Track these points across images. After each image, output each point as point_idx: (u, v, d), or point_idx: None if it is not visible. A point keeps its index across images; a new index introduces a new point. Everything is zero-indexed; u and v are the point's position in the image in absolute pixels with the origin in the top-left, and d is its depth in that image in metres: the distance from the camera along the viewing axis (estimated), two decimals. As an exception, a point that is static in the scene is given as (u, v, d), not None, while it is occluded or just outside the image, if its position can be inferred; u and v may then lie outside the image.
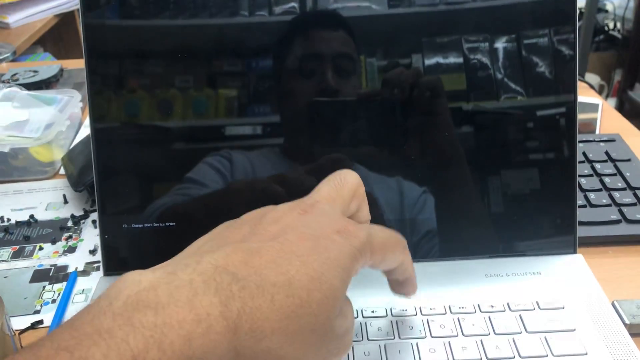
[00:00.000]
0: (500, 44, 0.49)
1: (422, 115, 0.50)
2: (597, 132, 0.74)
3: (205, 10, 0.49)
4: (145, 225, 0.50)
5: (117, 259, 0.51)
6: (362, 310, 0.46)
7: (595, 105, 0.77)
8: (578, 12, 0.49)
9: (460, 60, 0.50)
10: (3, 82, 0.89)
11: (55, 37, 1.57)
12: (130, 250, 0.51)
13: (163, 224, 0.50)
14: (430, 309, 0.46)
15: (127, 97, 0.50)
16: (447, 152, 0.50)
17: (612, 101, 2.43)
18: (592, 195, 0.58)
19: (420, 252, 0.51)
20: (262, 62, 0.49)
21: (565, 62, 0.50)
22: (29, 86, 0.88)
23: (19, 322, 0.49)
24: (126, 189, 0.50)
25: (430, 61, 0.49)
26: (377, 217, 0.49)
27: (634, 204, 0.57)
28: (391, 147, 0.50)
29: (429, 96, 0.49)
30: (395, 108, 0.50)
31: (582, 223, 0.54)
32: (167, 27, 0.49)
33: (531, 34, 0.49)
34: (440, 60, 0.49)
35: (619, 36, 2.46)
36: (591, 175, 0.61)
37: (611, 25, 2.52)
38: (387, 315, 0.46)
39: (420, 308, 0.46)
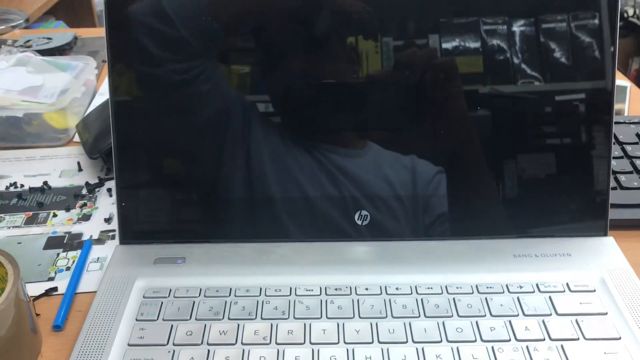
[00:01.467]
0: (544, 27, 0.47)
1: (438, 96, 0.48)
2: (625, 113, 0.72)
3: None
4: (163, 195, 0.49)
5: (134, 227, 0.50)
6: (386, 287, 0.45)
7: (624, 87, 0.75)
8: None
9: (498, 43, 0.47)
10: (17, 47, 0.87)
11: (68, 7, 1.54)
12: (146, 220, 0.50)
13: (180, 194, 0.49)
14: (457, 287, 0.45)
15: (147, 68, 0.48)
16: (463, 133, 0.48)
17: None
18: (622, 178, 0.56)
19: (441, 230, 0.49)
20: (277, 37, 0.47)
21: (604, 46, 0.48)
22: (43, 53, 0.86)
23: (33, 289, 0.47)
24: (144, 158, 0.49)
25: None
26: (390, 196, 0.48)
27: (667, 188, 0.55)
28: (405, 127, 0.48)
29: (444, 78, 0.48)
30: (410, 88, 0.48)
31: (612, 205, 0.52)
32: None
33: (573, 17, 0.47)
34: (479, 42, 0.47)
35: (639, 23, 2.41)
36: (621, 157, 0.59)
37: (630, 12, 2.47)
38: (411, 293, 0.44)
39: (446, 286, 0.45)
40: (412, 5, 0.47)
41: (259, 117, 0.48)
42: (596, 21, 0.47)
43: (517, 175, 0.49)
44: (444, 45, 0.48)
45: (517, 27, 0.48)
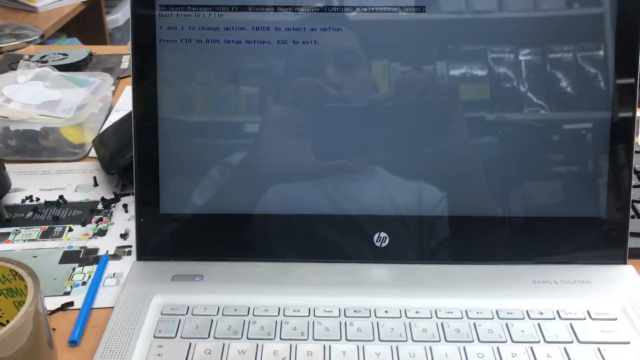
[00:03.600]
0: (558, 56, 0.48)
1: (440, 119, 0.48)
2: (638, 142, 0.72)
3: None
4: (185, 212, 0.49)
5: (151, 244, 0.49)
6: (405, 311, 0.44)
7: (637, 118, 0.76)
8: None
9: (501, 71, 0.48)
10: (35, 62, 0.88)
11: (80, 25, 1.56)
12: (164, 236, 0.50)
13: (203, 213, 0.49)
14: (477, 312, 0.44)
15: (172, 76, 0.48)
16: (470, 156, 0.49)
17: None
18: (639, 206, 0.56)
19: (460, 254, 0.49)
20: (282, 62, 0.48)
21: (625, 76, 0.48)
22: (59, 68, 0.86)
23: (49, 303, 0.47)
24: (164, 175, 0.49)
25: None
26: (408, 218, 0.48)
27: (684, 218, 0.55)
28: (411, 151, 0.49)
29: (445, 100, 0.48)
30: (414, 111, 0.48)
31: (631, 234, 0.52)
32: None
33: (589, 46, 0.48)
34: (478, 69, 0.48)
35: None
36: (638, 186, 0.59)
37: None
38: (431, 316, 0.44)
39: (466, 311, 0.44)
40: (419, 32, 0.48)
41: (275, 138, 0.49)
42: (616, 52, 0.48)
43: (538, 202, 0.49)
44: (451, 72, 0.48)
45: (533, 57, 0.48)
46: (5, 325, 0.44)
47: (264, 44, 0.48)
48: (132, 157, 0.51)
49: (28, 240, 0.55)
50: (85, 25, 1.61)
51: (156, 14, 0.47)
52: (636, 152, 0.62)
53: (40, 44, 1.11)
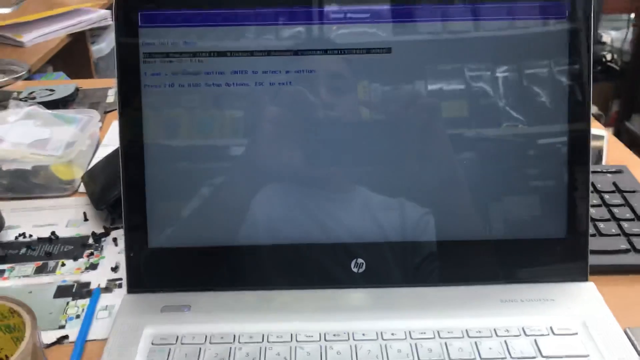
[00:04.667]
0: (514, 74, 0.52)
1: (421, 136, 0.52)
2: (603, 162, 0.76)
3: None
4: (172, 245, 0.52)
5: (141, 277, 0.52)
6: (382, 333, 0.47)
7: (601, 136, 0.80)
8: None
9: (463, 86, 0.52)
10: (22, 100, 0.91)
11: (65, 57, 1.59)
12: (153, 269, 0.52)
13: (189, 245, 0.52)
14: (448, 332, 0.48)
15: (156, 118, 0.51)
16: (448, 173, 0.52)
17: (609, 131, 2.46)
18: (601, 225, 0.60)
19: (432, 276, 0.52)
20: (260, 102, 0.51)
21: (579, 93, 0.51)
22: (46, 104, 0.89)
23: (45, 337, 0.50)
24: (152, 210, 0.52)
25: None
26: (383, 243, 0.51)
27: (643, 235, 0.58)
28: (391, 167, 0.52)
29: (427, 117, 0.51)
30: (395, 129, 0.51)
31: (592, 252, 0.55)
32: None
33: (544, 63, 0.51)
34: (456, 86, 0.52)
35: (617, 67, 2.50)
36: (600, 206, 0.63)
37: (609, 57, 2.56)
38: (406, 337, 0.47)
39: (438, 331, 0.48)
40: (398, 50, 0.51)
41: (254, 174, 0.52)
42: (571, 71, 0.51)
43: (504, 225, 0.52)
44: (430, 88, 0.51)
45: (498, 74, 0.51)
46: (4, 361, 0.47)
47: (242, 86, 0.51)
48: (120, 192, 0.54)
49: (23, 277, 0.57)
50: (71, 56, 1.64)
51: (140, 62, 0.51)
52: (597, 172, 0.66)
53: (27, 79, 1.14)
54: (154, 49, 0.51)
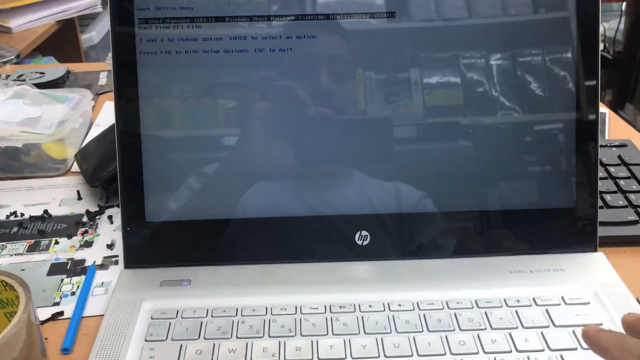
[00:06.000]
0: (527, 59, 0.51)
1: (430, 102, 0.50)
2: (606, 137, 0.75)
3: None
4: (170, 219, 0.50)
5: (138, 252, 0.50)
6: (388, 304, 0.46)
7: (604, 114, 0.79)
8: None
9: (474, 56, 0.50)
10: (12, 80, 0.88)
11: (54, 44, 1.56)
12: (151, 244, 0.51)
13: (188, 219, 0.50)
14: (457, 303, 0.46)
15: (152, 87, 0.50)
16: (456, 142, 0.51)
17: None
18: (608, 197, 0.59)
19: (439, 249, 0.51)
20: (262, 74, 0.50)
21: (588, 76, 0.51)
22: (37, 87, 0.87)
23: (40, 314, 0.48)
24: (148, 184, 0.50)
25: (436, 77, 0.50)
26: (387, 216, 0.50)
27: (650, 206, 0.57)
28: (397, 135, 0.50)
29: (435, 83, 0.50)
30: (390, 114, 0.50)
31: (600, 223, 0.54)
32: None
33: (556, 49, 0.50)
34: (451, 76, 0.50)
35: (610, 57, 2.50)
36: (606, 178, 0.62)
37: (601, 47, 2.57)
38: (414, 309, 0.46)
39: (447, 302, 0.46)
40: (391, 37, 0.50)
41: (255, 143, 0.50)
42: (579, 54, 0.50)
43: (512, 197, 0.51)
44: (425, 79, 0.50)
45: (503, 61, 0.50)
46: (-3, 336, 0.45)
47: (241, 53, 0.50)
48: (115, 169, 0.52)
49: (15, 255, 0.55)
50: (60, 44, 1.61)
51: (135, 27, 0.49)
52: (603, 146, 0.65)
53: (17, 63, 1.11)
54: (149, 14, 0.49)
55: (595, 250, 0.52)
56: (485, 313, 0.45)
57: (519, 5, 0.50)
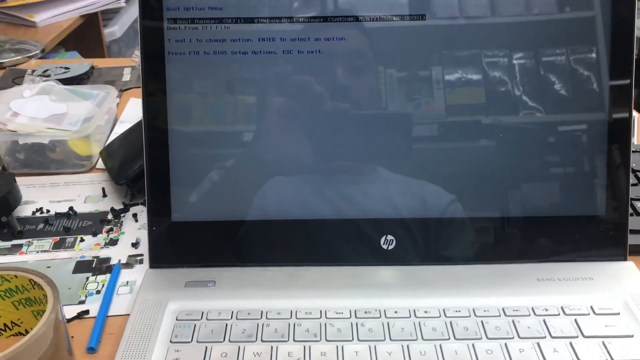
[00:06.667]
0: (554, 59, 0.50)
1: (441, 123, 0.50)
2: (635, 142, 0.74)
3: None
4: (196, 219, 0.50)
5: (164, 252, 0.50)
6: (414, 310, 0.46)
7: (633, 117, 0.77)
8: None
9: (506, 59, 0.49)
10: (38, 76, 0.89)
11: (78, 38, 1.57)
12: (176, 244, 0.51)
13: (214, 219, 0.50)
14: (484, 310, 0.46)
15: (180, 87, 0.50)
16: (485, 147, 0.50)
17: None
18: (638, 204, 0.58)
19: (465, 255, 0.50)
20: (288, 71, 0.49)
21: (620, 76, 0.50)
22: (61, 82, 0.88)
23: (65, 312, 0.48)
24: (176, 183, 0.50)
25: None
26: (413, 221, 0.49)
27: (681, 214, 0.56)
28: (414, 154, 0.50)
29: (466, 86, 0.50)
30: (415, 116, 0.50)
31: (630, 231, 0.53)
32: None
33: (584, 48, 0.50)
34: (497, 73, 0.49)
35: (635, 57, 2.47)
36: (636, 185, 0.61)
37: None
38: (440, 315, 0.45)
39: (474, 309, 0.46)
40: (420, 38, 0.49)
41: (283, 144, 0.50)
42: (613, 54, 0.49)
43: (540, 202, 0.50)
44: (447, 77, 0.50)
45: (529, 60, 0.50)
46: (24, 335, 0.45)
47: (269, 54, 0.49)
48: (141, 167, 0.52)
49: (41, 252, 0.56)
50: (83, 38, 1.62)
51: (164, 27, 0.49)
52: (633, 151, 0.64)
53: (41, 58, 1.12)
54: (178, 14, 0.49)
55: (626, 259, 0.51)
56: (513, 321, 0.45)
57: (550, 4, 0.49)
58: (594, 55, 0.50)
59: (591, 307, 0.46)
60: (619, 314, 0.45)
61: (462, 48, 0.49)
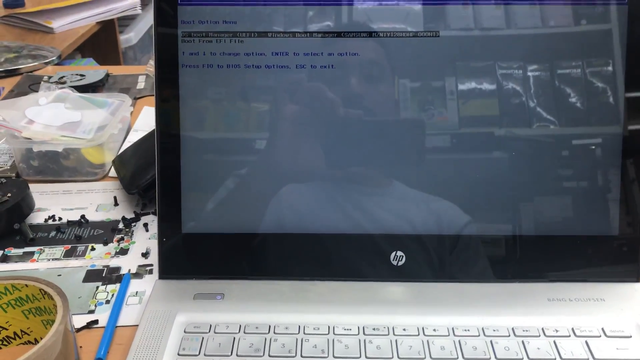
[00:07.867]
0: (568, 71, 0.49)
1: (470, 125, 0.50)
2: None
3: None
4: (206, 231, 0.50)
5: (173, 263, 0.51)
6: (423, 328, 0.45)
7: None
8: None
9: (520, 74, 0.49)
10: (53, 83, 0.90)
11: (94, 44, 1.59)
12: (186, 255, 0.51)
13: (224, 232, 0.50)
14: (494, 330, 0.45)
15: (194, 100, 0.50)
16: (495, 166, 0.50)
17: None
18: (651, 224, 0.57)
19: (476, 272, 0.50)
20: (308, 71, 0.49)
21: (636, 90, 0.49)
22: (77, 89, 0.88)
23: (75, 321, 0.48)
24: (186, 195, 0.50)
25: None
26: (424, 237, 0.49)
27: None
28: (436, 157, 0.50)
29: (478, 105, 0.50)
30: (426, 131, 0.49)
31: (643, 252, 0.53)
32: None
33: (598, 62, 0.49)
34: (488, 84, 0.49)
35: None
36: (650, 204, 0.60)
37: None
38: (449, 334, 0.45)
39: (483, 329, 0.45)
40: (433, 53, 0.49)
41: (294, 157, 0.50)
42: (630, 67, 0.49)
43: (551, 221, 0.50)
44: (460, 88, 0.49)
45: (543, 73, 0.49)
46: (33, 343, 0.46)
47: (283, 69, 0.49)
48: (153, 176, 0.52)
49: (52, 259, 0.56)
50: (100, 44, 1.63)
51: (179, 40, 0.49)
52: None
53: (57, 64, 1.13)
54: (192, 27, 0.49)
55: (638, 280, 0.50)
56: (523, 342, 0.44)
57: (566, 17, 0.49)
58: (609, 68, 0.49)
59: (602, 329, 0.45)
60: (631, 336, 0.45)
61: (477, 60, 0.49)
